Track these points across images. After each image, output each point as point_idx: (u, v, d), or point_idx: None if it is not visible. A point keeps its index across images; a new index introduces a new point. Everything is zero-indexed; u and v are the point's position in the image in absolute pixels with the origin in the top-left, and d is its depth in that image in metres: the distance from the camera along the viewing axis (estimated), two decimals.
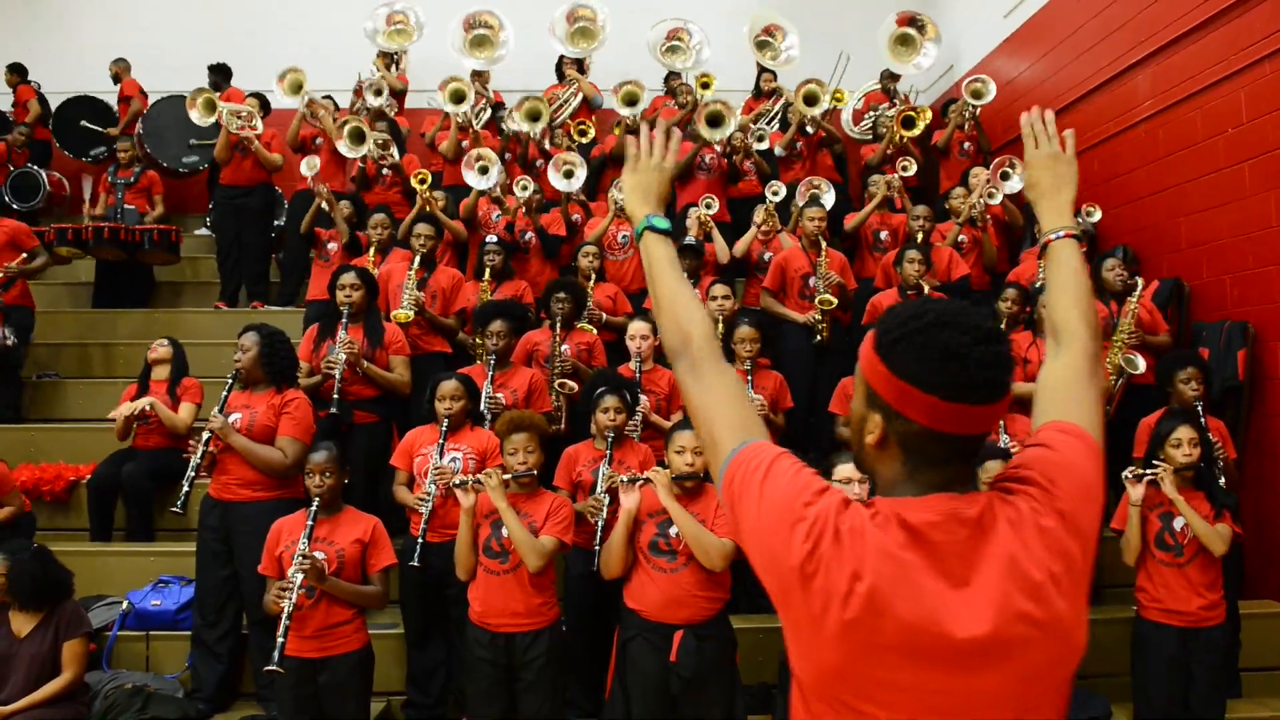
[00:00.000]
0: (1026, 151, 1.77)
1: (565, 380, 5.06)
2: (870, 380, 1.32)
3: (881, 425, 1.31)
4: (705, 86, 7.27)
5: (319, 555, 3.50)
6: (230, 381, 4.28)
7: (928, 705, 1.23)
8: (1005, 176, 6.59)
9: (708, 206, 6.50)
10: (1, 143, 8.38)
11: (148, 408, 4.97)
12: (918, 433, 1.27)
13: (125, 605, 4.65)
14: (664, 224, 1.62)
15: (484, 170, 6.33)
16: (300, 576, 3.40)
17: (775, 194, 6.43)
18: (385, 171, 7.11)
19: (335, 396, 4.65)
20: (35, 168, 8.58)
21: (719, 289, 5.40)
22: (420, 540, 4.01)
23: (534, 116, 7.06)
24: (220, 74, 8.57)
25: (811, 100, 7.23)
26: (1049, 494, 1.30)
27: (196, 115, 7.15)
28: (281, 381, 4.35)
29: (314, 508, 3.60)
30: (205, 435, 4.14)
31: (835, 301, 5.72)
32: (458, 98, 6.98)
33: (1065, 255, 1.62)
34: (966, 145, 7.49)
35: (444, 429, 4.11)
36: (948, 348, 1.24)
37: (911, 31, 7.54)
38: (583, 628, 4.18)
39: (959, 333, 1.24)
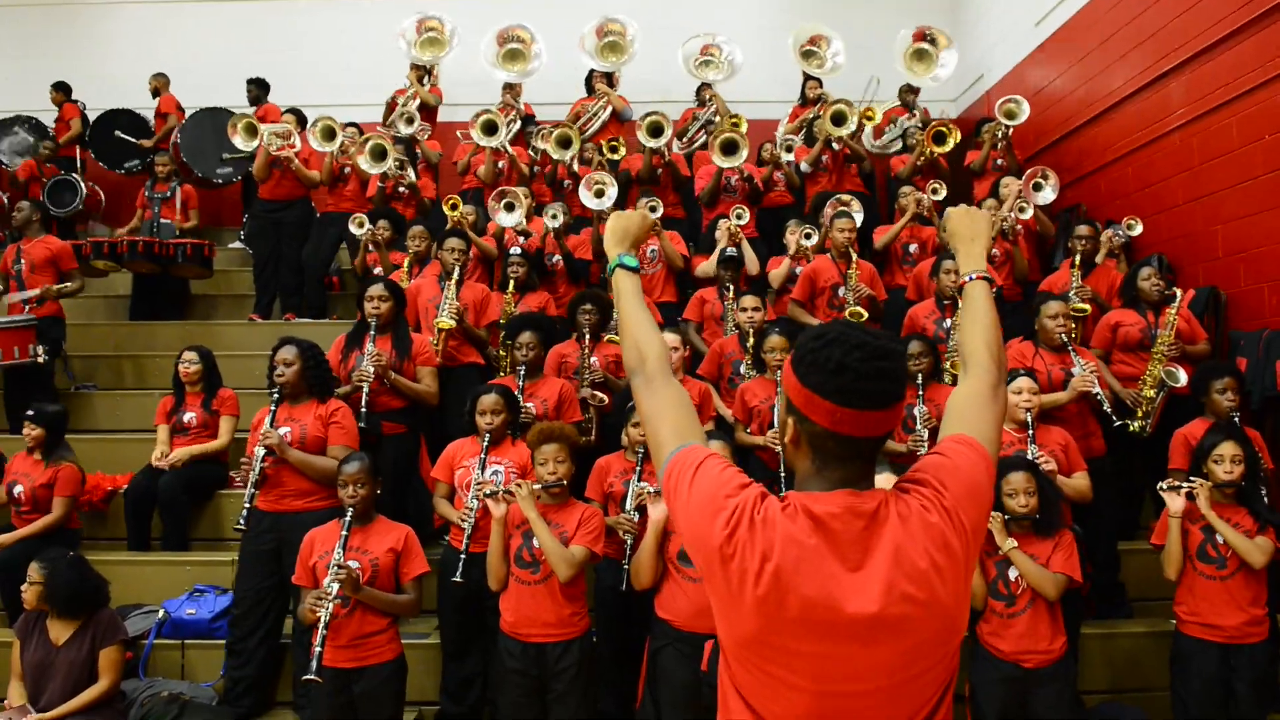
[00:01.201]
0: (947, 209, 1.98)
1: (595, 392, 5.07)
2: (787, 389, 1.56)
3: (794, 426, 1.54)
4: (735, 127, 7.26)
5: (353, 565, 3.53)
6: (277, 397, 4.30)
7: (825, 671, 1.45)
8: (1037, 188, 6.52)
9: (738, 217, 6.50)
10: (31, 160, 8.54)
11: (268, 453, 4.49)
12: (820, 433, 1.50)
13: (161, 614, 4.69)
14: (633, 263, 1.90)
15: (510, 208, 6.38)
16: (336, 586, 3.42)
17: (808, 236, 6.40)
18: (402, 190, 7.25)
19: (364, 409, 4.68)
20: (75, 175, 8.70)
21: (749, 300, 5.39)
22: (463, 554, 3.98)
23: (564, 144, 7.14)
24: (260, 88, 8.72)
25: (839, 120, 7.21)
26: (939, 494, 1.52)
27: (239, 140, 7.28)
28: (323, 393, 4.41)
29: (348, 518, 3.63)
30: (260, 452, 4.16)
31: (865, 314, 5.70)
32: (490, 129, 7.07)
33: (977, 294, 1.85)
34: (1000, 162, 7.44)
35: (485, 443, 4.13)
36: (841, 362, 1.46)
37: (926, 46, 7.48)
38: (613, 637, 4.17)
39: (851, 349, 1.46)
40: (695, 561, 1.54)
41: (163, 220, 8.00)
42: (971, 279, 1.86)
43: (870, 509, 1.47)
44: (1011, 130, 7.27)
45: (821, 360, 1.47)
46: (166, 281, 7.85)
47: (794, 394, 1.52)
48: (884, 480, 3.57)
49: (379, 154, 6.91)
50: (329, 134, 7.19)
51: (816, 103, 8.06)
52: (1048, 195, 6.54)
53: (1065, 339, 4.89)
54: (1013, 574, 3.71)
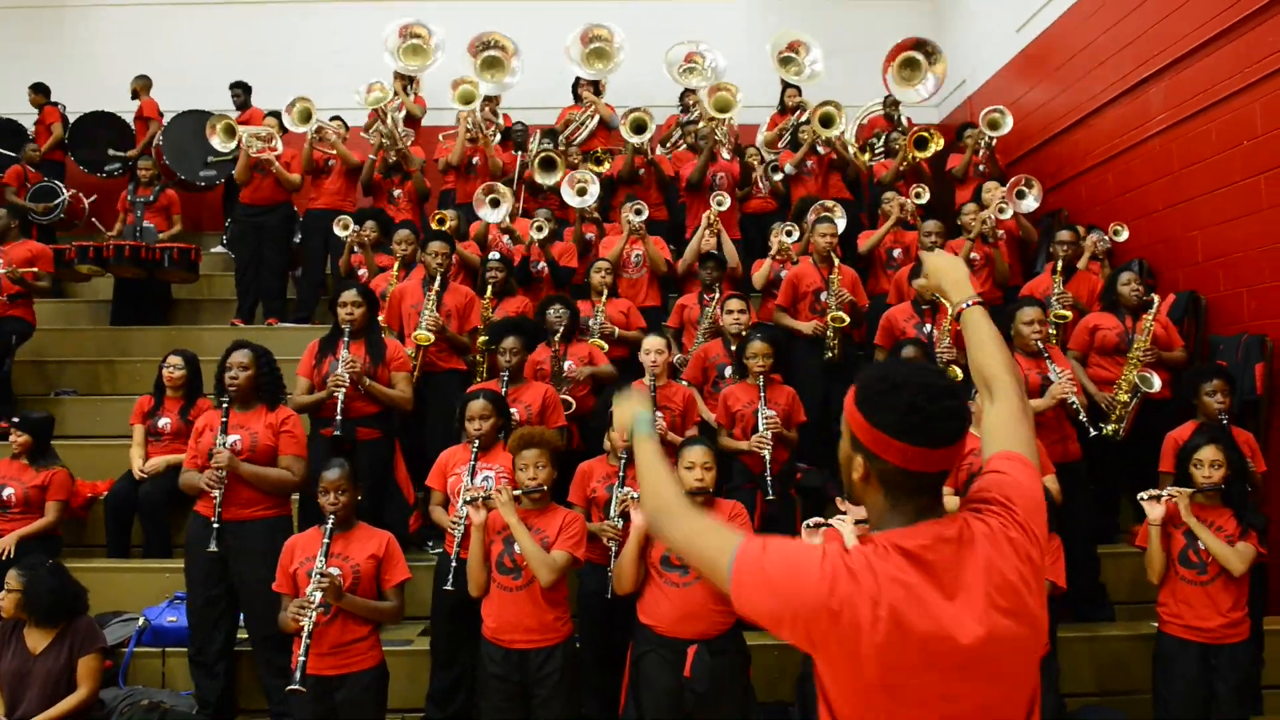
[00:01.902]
0: (924, 255, 2.08)
1: (567, 398, 5.08)
2: (853, 428, 1.59)
3: (864, 465, 1.59)
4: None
5: (334, 572, 3.51)
6: (226, 404, 4.25)
7: (949, 699, 1.48)
8: (1020, 196, 6.58)
9: (719, 204, 6.54)
10: (17, 165, 8.47)
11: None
12: (892, 471, 1.55)
13: (141, 622, 4.66)
14: (649, 428, 1.97)
15: (495, 204, 6.37)
16: (319, 594, 3.41)
17: (789, 234, 6.44)
18: (397, 194, 7.31)
19: (338, 416, 4.65)
20: (56, 182, 8.62)
21: (735, 304, 5.40)
22: (454, 562, 3.98)
23: (549, 165, 7.21)
24: (244, 91, 8.72)
25: (827, 122, 7.25)
26: (1010, 510, 1.58)
27: (218, 141, 7.26)
28: (273, 400, 4.39)
29: (329, 525, 3.61)
30: (220, 474, 4.12)
31: (847, 319, 5.72)
32: (466, 99, 7.09)
33: (978, 319, 1.88)
34: (982, 168, 7.49)
35: (475, 449, 4.12)
36: (912, 404, 1.51)
37: (918, 56, 7.48)
38: (596, 643, 4.15)
39: (918, 392, 1.52)
40: (798, 635, 1.50)
41: (145, 224, 7.95)
42: (969, 305, 1.90)
43: (955, 534, 1.53)
44: (995, 141, 7.33)
45: (892, 402, 1.53)
46: (150, 286, 7.80)
47: (862, 433, 1.57)
48: (950, 503, 3.67)
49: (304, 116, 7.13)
50: (305, 116, 7.18)
51: (795, 110, 8.10)
52: (1030, 204, 6.60)
53: (1040, 345, 4.91)
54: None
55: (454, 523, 4.03)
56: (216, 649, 4.34)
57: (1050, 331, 5.30)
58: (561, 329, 5.26)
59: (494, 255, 5.99)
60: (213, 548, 4.10)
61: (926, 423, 1.51)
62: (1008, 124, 7.26)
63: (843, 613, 1.45)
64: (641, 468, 1.88)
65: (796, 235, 6.43)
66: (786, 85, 8.20)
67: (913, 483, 1.55)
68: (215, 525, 4.12)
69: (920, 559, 1.49)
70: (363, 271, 6.53)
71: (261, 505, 4.26)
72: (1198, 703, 3.84)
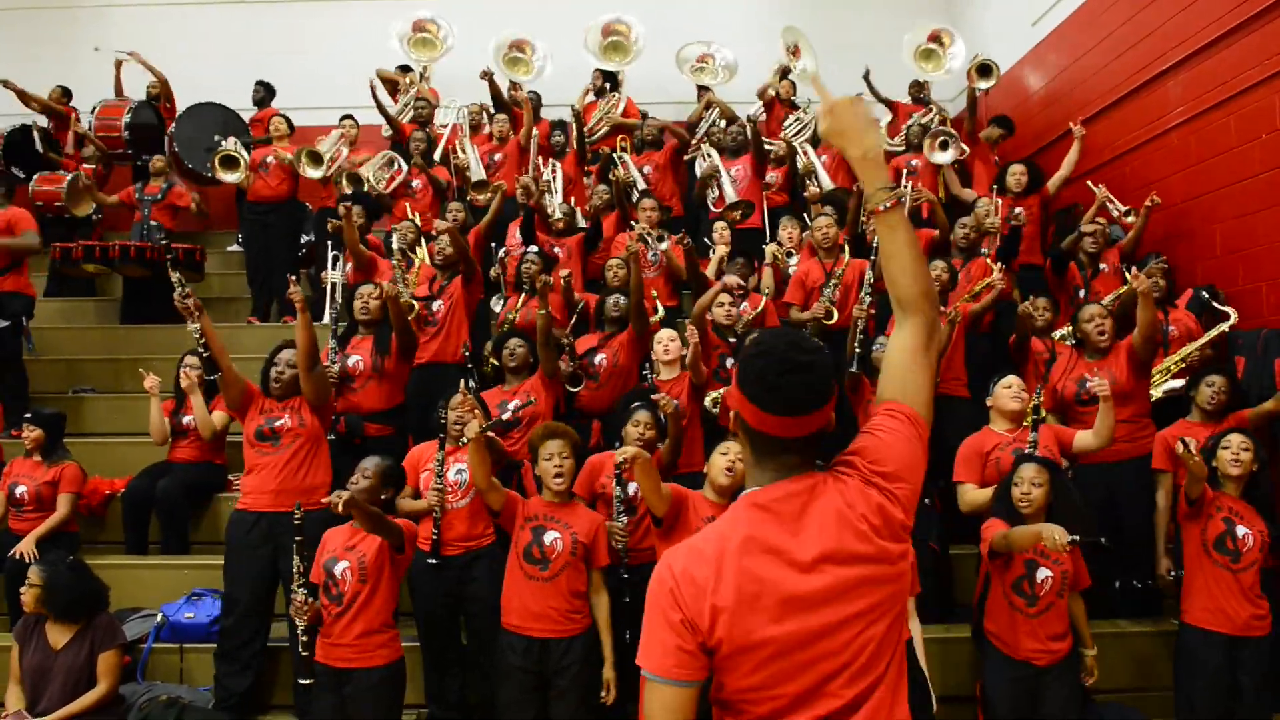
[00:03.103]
0: (825, 103, 1.77)
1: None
2: (732, 385, 1.67)
3: (734, 421, 1.67)
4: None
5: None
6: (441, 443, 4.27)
7: (801, 646, 1.52)
8: (944, 147, 6.88)
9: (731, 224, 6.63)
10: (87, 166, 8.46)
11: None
12: (750, 430, 1.62)
13: (160, 618, 4.68)
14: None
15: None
16: (302, 594, 3.58)
17: (780, 245, 6.49)
18: (416, 185, 7.41)
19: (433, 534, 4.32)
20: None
21: (724, 296, 5.37)
22: (435, 533, 4.09)
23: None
24: (266, 91, 8.82)
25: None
26: (875, 472, 1.61)
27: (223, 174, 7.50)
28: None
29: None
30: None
31: (835, 314, 5.75)
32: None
33: (898, 224, 1.69)
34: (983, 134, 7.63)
35: (443, 441, 4.17)
36: (762, 372, 1.57)
37: (934, 47, 7.57)
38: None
39: (772, 362, 1.56)
40: (695, 647, 1.54)
41: (153, 222, 7.89)
42: (886, 207, 1.68)
43: (806, 488, 1.59)
44: (986, 90, 7.71)
45: (749, 369, 1.59)
46: (160, 285, 7.80)
47: (732, 390, 1.65)
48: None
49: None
50: (315, 160, 7.29)
51: (792, 107, 8.17)
52: (948, 156, 6.92)
53: (1106, 344, 4.80)
54: (1040, 575, 3.72)
55: (432, 502, 4.11)
56: (252, 650, 4.34)
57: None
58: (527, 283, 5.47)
59: (532, 249, 6.00)
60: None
61: (770, 393, 1.55)
62: (997, 74, 7.52)
63: (695, 597, 1.51)
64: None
65: (793, 237, 6.49)
66: (784, 78, 8.31)
67: (771, 444, 1.60)
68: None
69: (770, 510, 1.57)
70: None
71: (314, 493, 4.28)
72: (1221, 697, 3.82)
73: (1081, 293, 5.76)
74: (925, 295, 1.71)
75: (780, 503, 1.57)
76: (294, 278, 5.05)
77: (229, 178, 7.53)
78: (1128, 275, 5.05)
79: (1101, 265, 6.00)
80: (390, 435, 4.96)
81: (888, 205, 1.68)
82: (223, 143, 7.49)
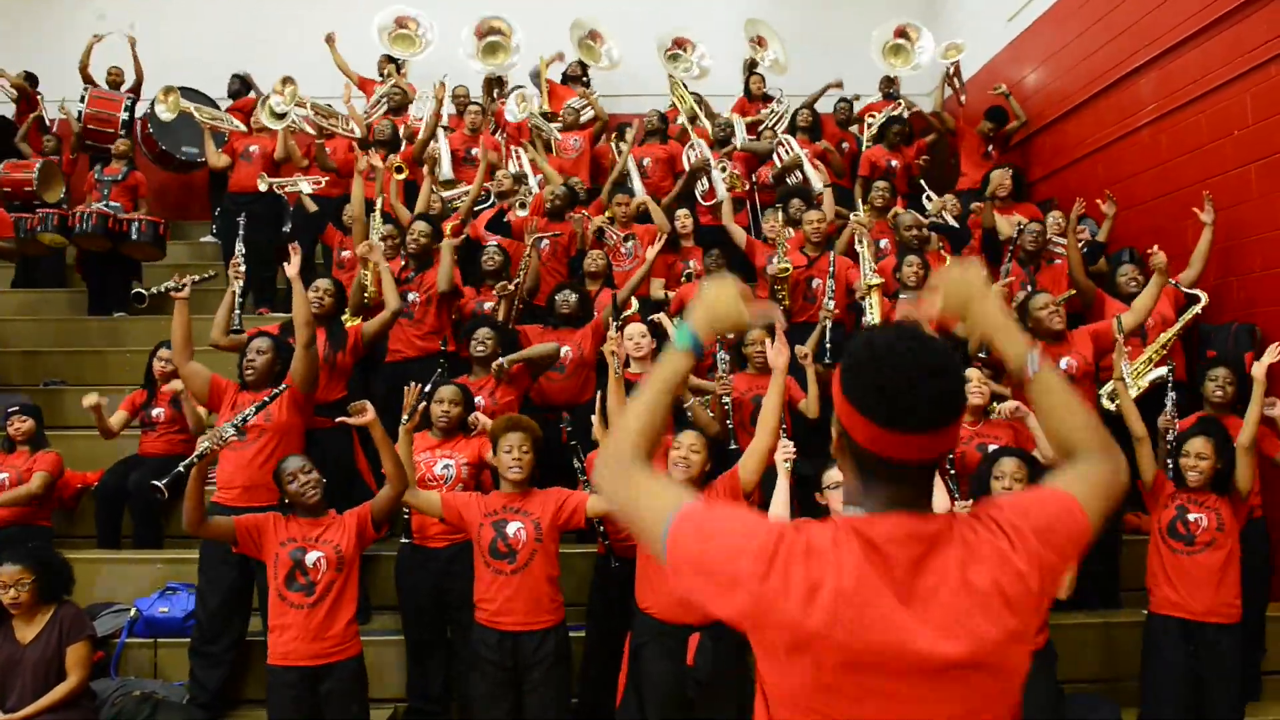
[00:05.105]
0: (936, 281, 1.62)
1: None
2: (834, 394, 1.41)
3: (838, 437, 1.42)
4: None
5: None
6: (269, 397, 4.18)
7: (889, 712, 1.30)
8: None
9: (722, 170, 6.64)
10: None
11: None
12: (862, 452, 1.36)
13: (133, 613, 4.63)
14: (690, 343, 1.57)
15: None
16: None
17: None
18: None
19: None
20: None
21: None
22: (407, 541, 4.17)
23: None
24: (242, 84, 8.81)
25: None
26: (1015, 526, 1.36)
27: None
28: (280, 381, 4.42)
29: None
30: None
31: (786, 292, 5.78)
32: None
33: (1055, 382, 1.54)
34: (963, 99, 7.92)
35: (408, 417, 3.97)
36: (884, 384, 1.31)
37: (901, 42, 7.69)
38: (593, 632, 4.19)
39: (897, 371, 1.31)
40: (734, 611, 1.34)
41: (113, 203, 7.70)
42: (1035, 369, 1.52)
43: (932, 532, 1.33)
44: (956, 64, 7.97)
45: (865, 378, 1.34)
46: (123, 275, 7.69)
47: (839, 404, 1.39)
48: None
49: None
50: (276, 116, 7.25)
51: (765, 100, 8.17)
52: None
53: (1059, 328, 4.90)
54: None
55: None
56: (231, 640, 4.30)
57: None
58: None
59: (493, 243, 5.95)
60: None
61: (895, 406, 1.30)
62: (963, 50, 7.79)
63: (778, 590, 1.29)
64: (651, 395, 1.55)
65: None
66: (751, 73, 8.30)
67: (886, 468, 1.35)
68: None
69: (881, 551, 1.31)
70: (345, 253, 6.43)
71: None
72: (1184, 684, 3.84)
73: (1028, 287, 5.78)
74: (1105, 445, 1.50)
75: (896, 545, 1.31)
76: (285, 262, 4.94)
77: (272, 124, 7.40)
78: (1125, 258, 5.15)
79: (1055, 261, 6.09)
80: (335, 428, 4.78)
81: (1038, 369, 1.52)
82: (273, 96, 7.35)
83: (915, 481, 1.37)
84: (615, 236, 6.27)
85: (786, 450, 3.67)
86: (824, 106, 8.14)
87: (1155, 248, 5.05)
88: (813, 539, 1.33)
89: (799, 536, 1.33)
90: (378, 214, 6.02)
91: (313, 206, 6.81)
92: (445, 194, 6.91)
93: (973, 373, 4.52)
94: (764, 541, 1.32)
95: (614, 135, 7.82)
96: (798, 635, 1.29)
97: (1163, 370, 5.03)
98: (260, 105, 7.51)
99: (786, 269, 5.72)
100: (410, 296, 5.46)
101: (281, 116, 7.25)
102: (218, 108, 8.53)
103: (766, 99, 8.22)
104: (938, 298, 1.56)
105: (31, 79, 9.05)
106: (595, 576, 4.07)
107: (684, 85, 7.97)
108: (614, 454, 1.51)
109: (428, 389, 4.28)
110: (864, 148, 7.77)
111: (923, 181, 7.22)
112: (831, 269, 5.59)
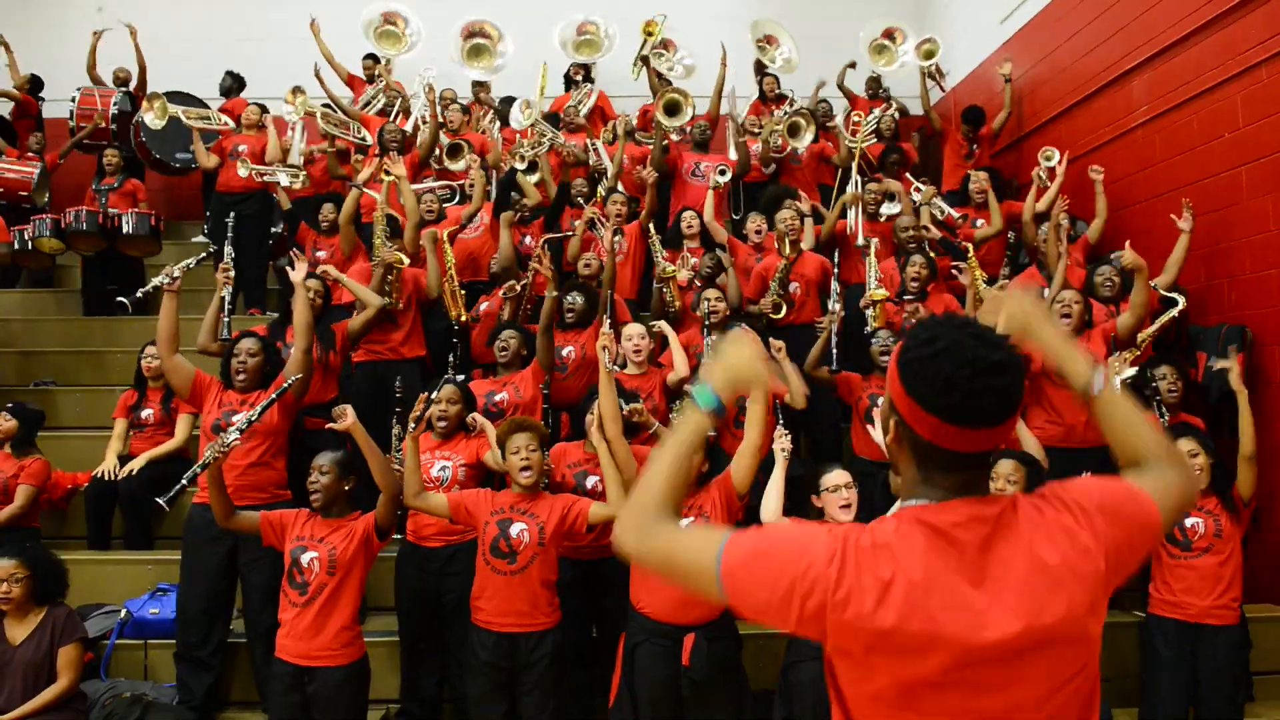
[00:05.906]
0: (997, 301, 1.70)
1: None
2: (890, 389, 1.44)
3: (896, 429, 1.44)
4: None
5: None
6: (270, 399, 4.12)
7: (970, 700, 1.32)
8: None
9: (721, 172, 6.57)
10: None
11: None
12: (923, 444, 1.39)
13: (123, 614, 4.61)
14: (711, 403, 1.58)
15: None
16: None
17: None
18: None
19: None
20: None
21: (711, 292, 5.38)
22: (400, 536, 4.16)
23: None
24: (235, 81, 8.72)
25: (672, 110, 7.20)
26: (1080, 504, 1.40)
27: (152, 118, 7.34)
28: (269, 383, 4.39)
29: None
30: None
31: (783, 307, 5.75)
32: (672, 109, 7.00)
33: (1121, 400, 1.61)
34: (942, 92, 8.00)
35: (397, 414, 4.21)
36: (949, 378, 1.33)
37: (886, 42, 7.75)
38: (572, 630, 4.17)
39: (960, 365, 1.33)
40: (806, 619, 1.34)
41: (110, 211, 7.68)
42: (1101, 388, 1.59)
43: (995, 513, 1.37)
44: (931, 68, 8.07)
45: (929, 373, 1.35)
46: (120, 274, 7.65)
47: (898, 398, 1.41)
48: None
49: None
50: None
51: (779, 101, 8.11)
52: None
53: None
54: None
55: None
56: (216, 643, 4.29)
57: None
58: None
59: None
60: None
61: (963, 401, 1.33)
62: (940, 51, 7.88)
63: (851, 592, 1.31)
64: (674, 454, 1.56)
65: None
66: (763, 75, 8.24)
67: (947, 459, 1.38)
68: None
69: (948, 536, 1.34)
70: (322, 253, 6.41)
71: (265, 493, 4.25)
72: (1182, 685, 3.87)
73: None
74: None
75: (961, 529, 1.34)
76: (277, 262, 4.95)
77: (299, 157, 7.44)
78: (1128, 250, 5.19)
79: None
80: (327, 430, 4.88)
81: (1104, 387, 1.59)
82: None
83: (975, 468, 1.41)
84: (607, 231, 6.25)
85: (784, 440, 3.68)
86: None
87: (1127, 244, 5.05)
88: (876, 536, 1.35)
89: (863, 535, 1.36)
90: (380, 217, 6.02)
91: (286, 204, 6.76)
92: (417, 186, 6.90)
93: None
94: (829, 547, 1.35)
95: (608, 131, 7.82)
96: (876, 634, 1.30)
97: (1132, 371, 5.06)
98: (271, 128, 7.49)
99: (884, 296, 5.63)
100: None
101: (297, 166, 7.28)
102: (207, 107, 8.50)
103: (780, 99, 8.14)
104: (1001, 320, 1.61)
105: (37, 82, 9.01)
106: (570, 578, 4.06)
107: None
108: (639, 513, 1.51)
109: (433, 395, 4.27)
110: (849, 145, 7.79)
111: (908, 175, 7.20)
112: (835, 271, 5.55)
